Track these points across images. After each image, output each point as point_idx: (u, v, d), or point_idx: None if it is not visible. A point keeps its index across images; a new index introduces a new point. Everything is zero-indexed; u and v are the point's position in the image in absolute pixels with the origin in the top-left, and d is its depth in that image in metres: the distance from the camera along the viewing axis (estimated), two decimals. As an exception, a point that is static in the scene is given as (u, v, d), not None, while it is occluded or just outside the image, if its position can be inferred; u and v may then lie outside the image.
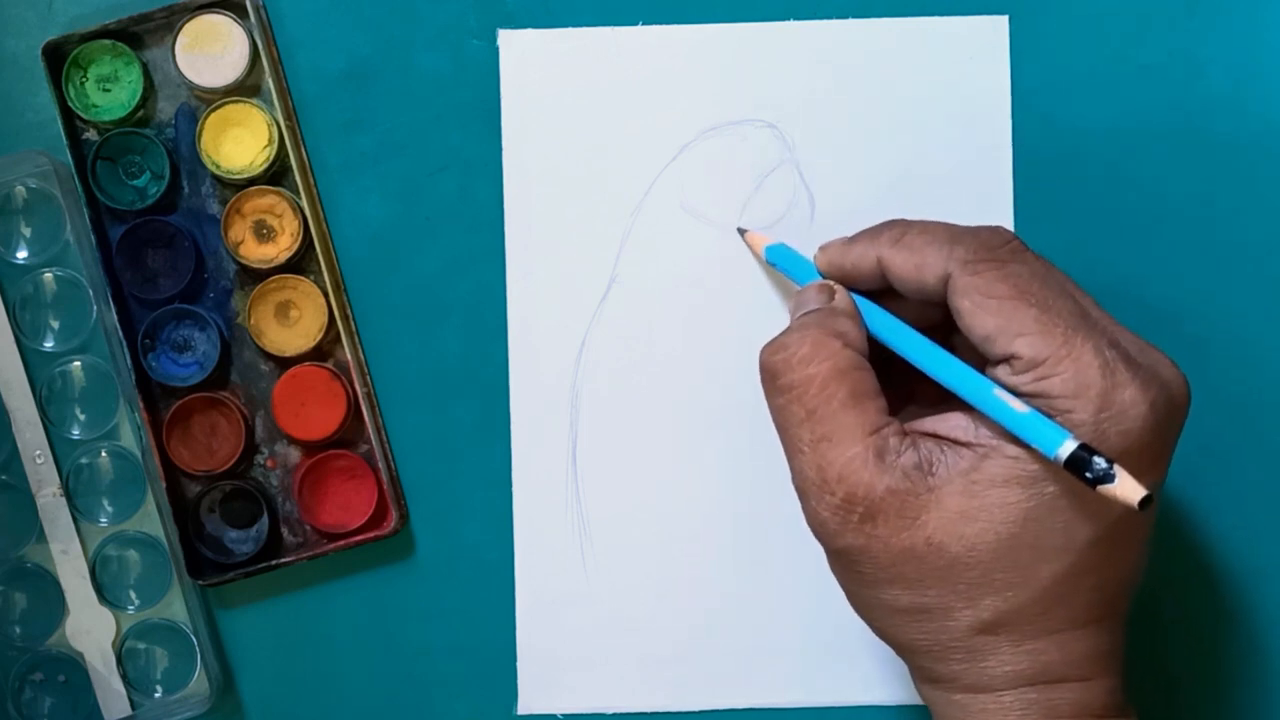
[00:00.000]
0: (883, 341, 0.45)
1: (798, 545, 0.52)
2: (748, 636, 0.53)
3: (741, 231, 0.52)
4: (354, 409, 0.52)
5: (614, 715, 0.53)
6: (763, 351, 0.44)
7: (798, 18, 0.52)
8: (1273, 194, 0.52)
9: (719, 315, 0.52)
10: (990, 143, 0.52)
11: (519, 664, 0.53)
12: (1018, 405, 0.40)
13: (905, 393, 0.46)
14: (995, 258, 0.42)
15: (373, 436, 0.52)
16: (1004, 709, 0.43)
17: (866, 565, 0.42)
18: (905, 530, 0.41)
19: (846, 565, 0.43)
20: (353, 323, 0.53)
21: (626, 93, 0.52)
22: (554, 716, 0.53)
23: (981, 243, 0.43)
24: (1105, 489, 0.38)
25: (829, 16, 0.52)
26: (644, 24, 0.52)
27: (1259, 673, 0.53)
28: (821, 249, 0.47)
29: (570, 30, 0.52)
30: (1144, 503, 0.38)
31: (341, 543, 0.52)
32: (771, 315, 0.52)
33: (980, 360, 0.42)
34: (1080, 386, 0.40)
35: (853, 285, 0.46)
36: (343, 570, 0.53)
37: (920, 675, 0.45)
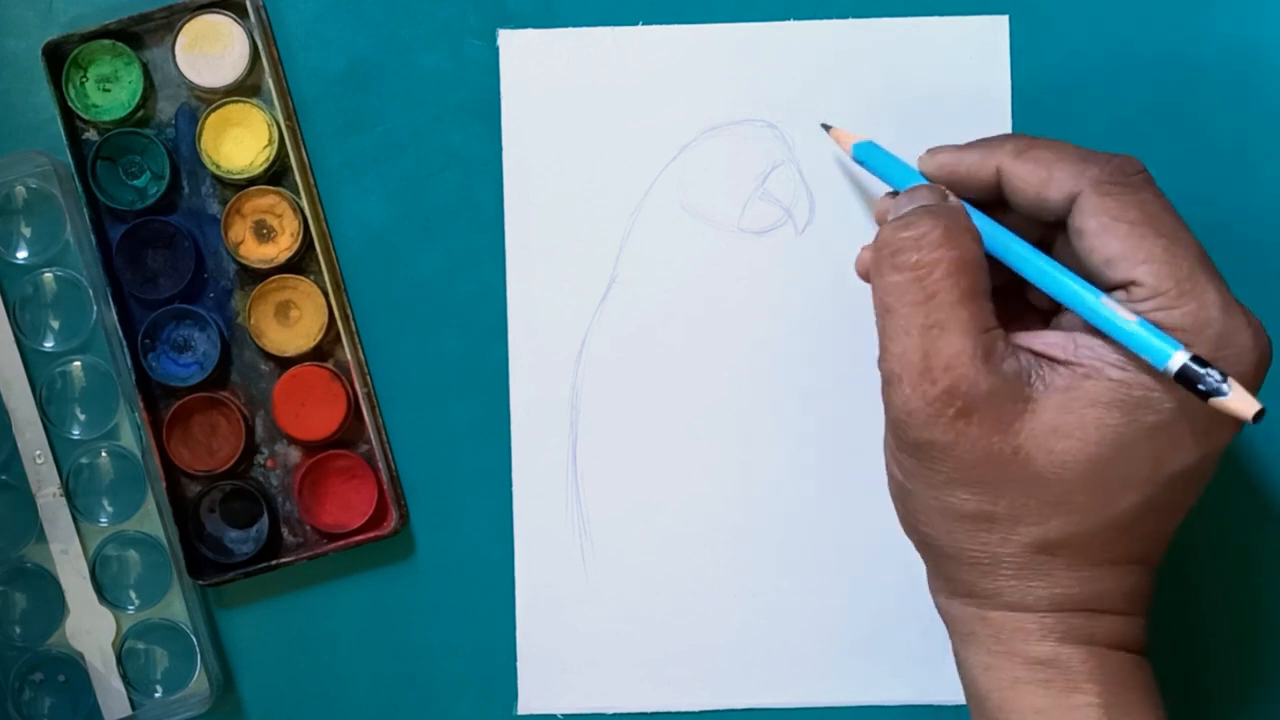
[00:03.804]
0: (991, 250, 0.43)
1: (798, 545, 0.52)
2: (747, 636, 0.52)
3: (826, 127, 0.51)
4: (354, 409, 0.52)
5: (614, 715, 0.53)
6: (886, 226, 0.43)
7: (798, 18, 0.52)
8: (1274, 193, 0.52)
9: (719, 315, 0.52)
10: (990, 142, 0.52)
11: (519, 664, 0.53)
12: (1128, 315, 0.40)
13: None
14: (1129, 182, 0.42)
15: (373, 436, 0.52)
16: (1044, 629, 0.42)
17: (946, 462, 0.42)
18: (997, 434, 0.41)
19: (922, 459, 0.42)
20: (353, 323, 0.53)
21: (626, 93, 0.52)
22: (554, 716, 0.53)
23: (1116, 166, 0.42)
24: (1218, 402, 0.38)
25: (829, 16, 0.52)
26: (644, 24, 0.52)
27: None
28: (930, 151, 0.46)
29: (570, 30, 0.52)
30: (1258, 416, 0.38)
31: (341, 543, 0.52)
32: (772, 314, 0.52)
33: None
34: (1201, 323, 0.40)
35: (958, 194, 0.45)
36: (343, 570, 0.53)
37: (952, 589, 0.44)
